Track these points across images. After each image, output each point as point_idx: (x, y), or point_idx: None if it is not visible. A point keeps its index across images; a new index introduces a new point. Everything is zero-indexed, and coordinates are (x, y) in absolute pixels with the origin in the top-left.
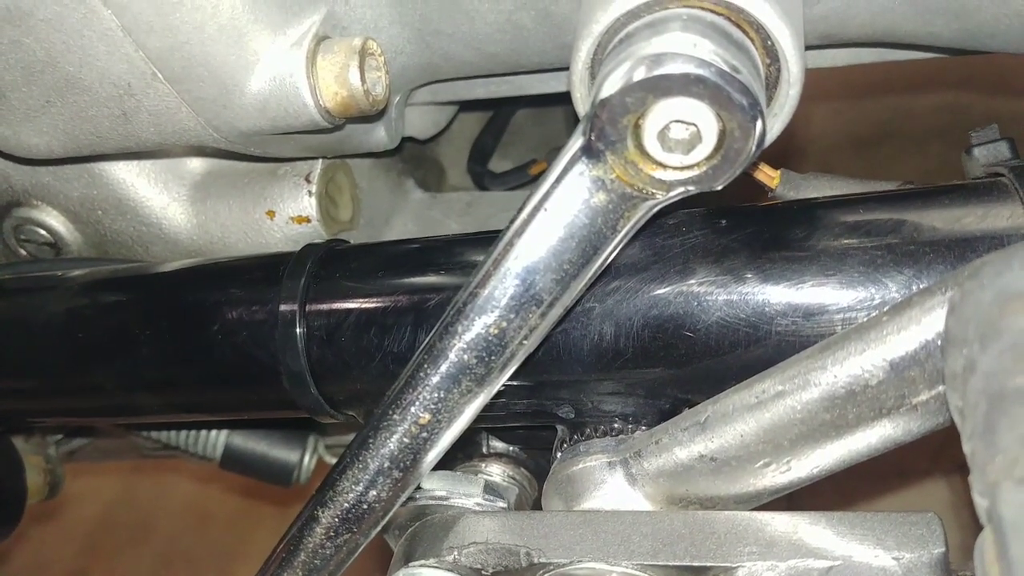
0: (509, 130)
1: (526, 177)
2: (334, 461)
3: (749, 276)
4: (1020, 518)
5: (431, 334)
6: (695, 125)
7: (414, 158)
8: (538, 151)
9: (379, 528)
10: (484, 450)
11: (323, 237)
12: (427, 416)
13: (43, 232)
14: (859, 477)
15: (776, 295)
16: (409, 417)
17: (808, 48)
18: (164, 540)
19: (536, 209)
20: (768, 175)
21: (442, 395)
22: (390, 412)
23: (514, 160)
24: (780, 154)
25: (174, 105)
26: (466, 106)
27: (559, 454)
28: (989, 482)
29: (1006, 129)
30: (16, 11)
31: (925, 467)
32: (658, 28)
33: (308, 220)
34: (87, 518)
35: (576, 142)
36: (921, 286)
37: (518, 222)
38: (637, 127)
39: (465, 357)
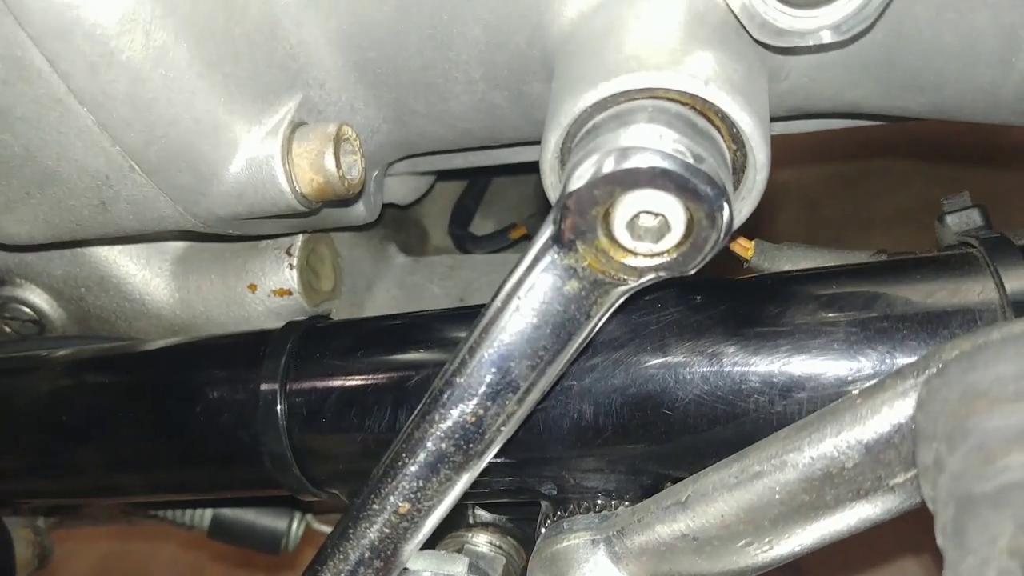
0: (489, 191)
1: (507, 241)
2: (322, 528)
3: (725, 353)
4: None
5: (408, 422)
6: (663, 215)
7: (396, 221)
8: (519, 211)
9: None
10: (470, 520)
11: (305, 308)
12: (407, 505)
13: (27, 310)
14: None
15: (752, 372)
16: (388, 507)
17: (778, 119)
18: None
19: (509, 297)
20: (743, 246)
21: (421, 484)
22: (369, 502)
23: (496, 220)
24: (765, 195)
25: (152, 195)
26: (445, 174)
27: (543, 530)
28: None
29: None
30: None
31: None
32: (624, 119)
33: (290, 292)
34: (81, 573)
35: (547, 231)
36: (895, 362)
37: (492, 310)
38: (607, 216)
39: (443, 445)
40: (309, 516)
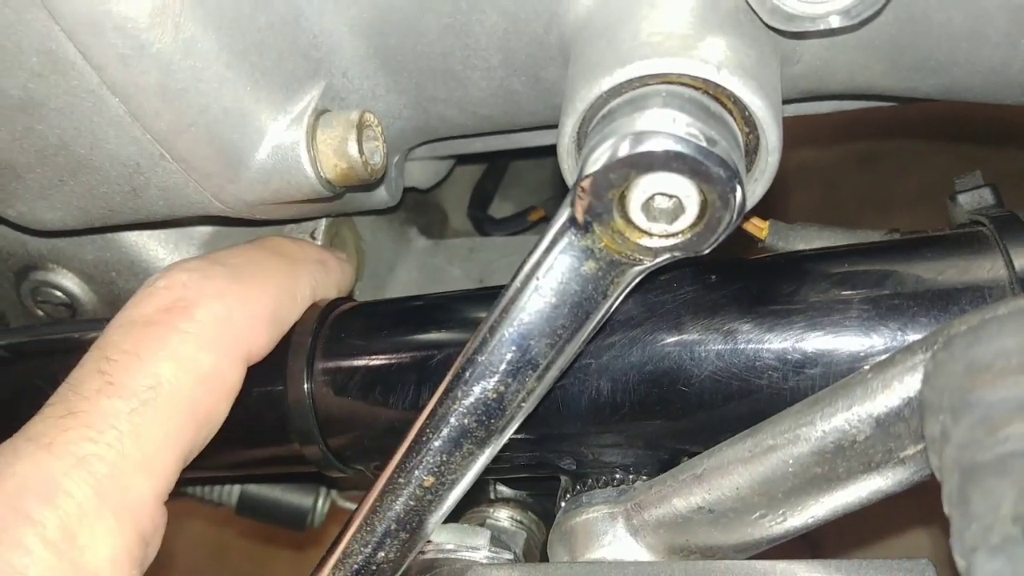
0: (509, 174)
1: (525, 223)
2: (346, 505)
3: (739, 331)
4: None
5: (432, 399)
6: (677, 197)
7: (417, 206)
8: (538, 194)
9: None
10: (491, 496)
11: None
12: (431, 479)
13: (59, 294)
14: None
15: (766, 349)
16: (414, 480)
17: (790, 102)
18: (183, 571)
19: (528, 277)
20: (757, 227)
21: (444, 458)
22: (395, 475)
23: (515, 203)
24: (785, 174)
25: (181, 181)
26: (465, 157)
27: (563, 504)
28: (966, 548)
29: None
30: (29, 102)
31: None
32: (639, 104)
33: None
34: None
35: (564, 213)
36: (906, 338)
37: (512, 290)
38: (622, 199)
39: (465, 421)
40: (334, 493)
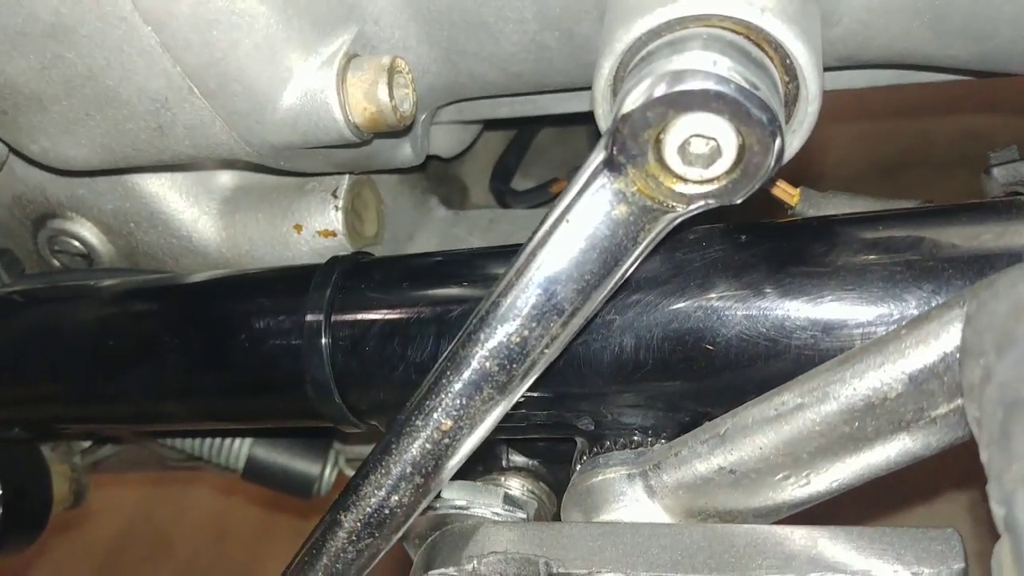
0: (532, 149)
1: (547, 195)
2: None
3: (769, 290)
4: None
5: (454, 342)
6: (715, 140)
7: (438, 176)
8: (560, 170)
9: (400, 534)
10: (504, 464)
11: (348, 251)
12: (449, 422)
13: (76, 243)
14: (881, 491)
15: (796, 309)
16: (431, 423)
17: (826, 70)
18: (183, 555)
19: (558, 221)
20: (788, 192)
21: (464, 402)
22: (413, 418)
23: (536, 179)
24: (803, 180)
25: (208, 119)
26: (490, 125)
27: (579, 466)
28: (1006, 490)
29: None
30: (60, 27)
31: (948, 483)
32: (678, 47)
33: (334, 234)
34: (107, 533)
35: (598, 155)
36: (939, 301)
37: (540, 233)
38: (658, 141)
39: (487, 364)
40: (342, 461)
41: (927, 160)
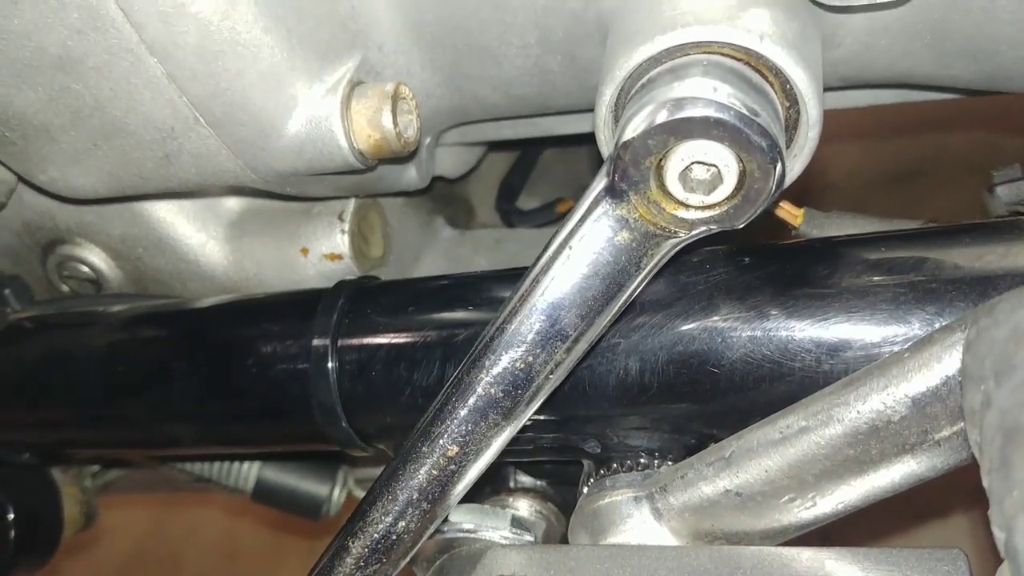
0: (536, 169)
1: (553, 215)
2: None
3: (773, 313)
4: None
5: (459, 368)
6: (716, 166)
7: (444, 197)
8: (565, 189)
9: (407, 559)
10: (511, 485)
11: (355, 274)
12: (455, 448)
13: (85, 269)
14: (887, 512)
15: (800, 332)
16: (438, 449)
17: (828, 90)
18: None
19: (561, 247)
20: (791, 213)
21: (470, 428)
22: (419, 444)
23: (542, 198)
24: (812, 193)
25: (215, 148)
26: (494, 146)
27: (585, 488)
28: (1007, 516)
29: None
30: (67, 59)
31: (953, 503)
32: (679, 73)
33: (341, 257)
34: (117, 553)
35: (600, 182)
36: (943, 323)
37: (544, 259)
38: (659, 168)
39: (492, 391)
40: (351, 482)
41: (936, 171)
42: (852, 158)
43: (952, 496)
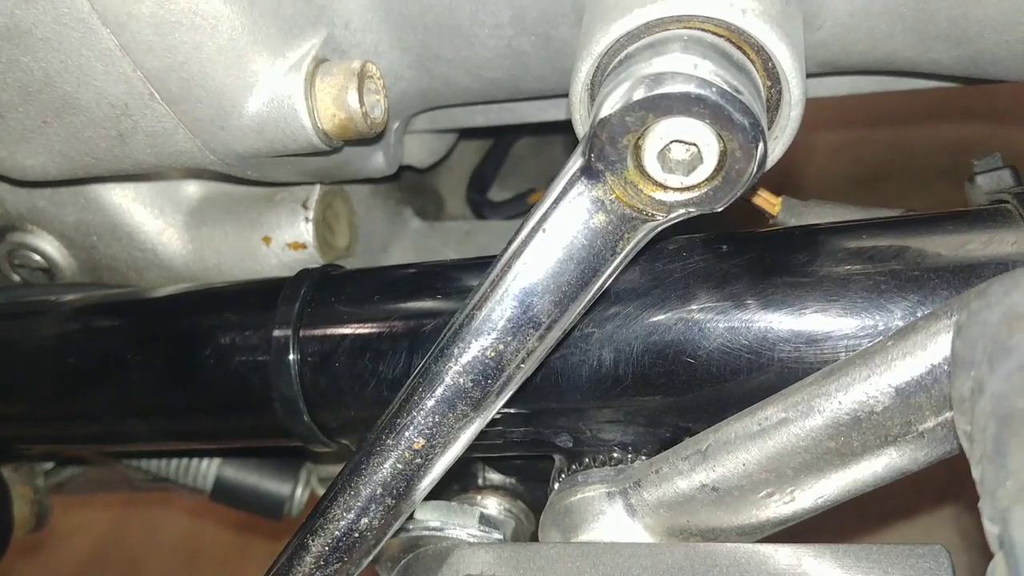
0: (508, 160)
1: (524, 206)
2: None
3: (751, 302)
4: None
5: (427, 356)
6: (695, 145)
7: (413, 187)
8: (537, 180)
9: (370, 558)
10: (480, 482)
11: (319, 264)
12: (421, 441)
13: (37, 257)
14: (865, 509)
15: (778, 321)
16: (403, 442)
17: (808, 76)
18: None
19: (535, 230)
20: (769, 202)
21: (437, 419)
22: (383, 436)
23: (513, 190)
24: (783, 191)
25: (171, 126)
26: (465, 135)
27: (556, 484)
28: (1000, 507)
29: (1009, 160)
30: (15, 29)
31: (920, 504)
32: (658, 49)
33: (304, 246)
34: (77, 555)
35: (575, 162)
36: (926, 312)
37: (516, 243)
38: (637, 147)
39: (461, 380)
40: (314, 481)
41: (906, 171)
42: (818, 160)
43: (919, 497)
